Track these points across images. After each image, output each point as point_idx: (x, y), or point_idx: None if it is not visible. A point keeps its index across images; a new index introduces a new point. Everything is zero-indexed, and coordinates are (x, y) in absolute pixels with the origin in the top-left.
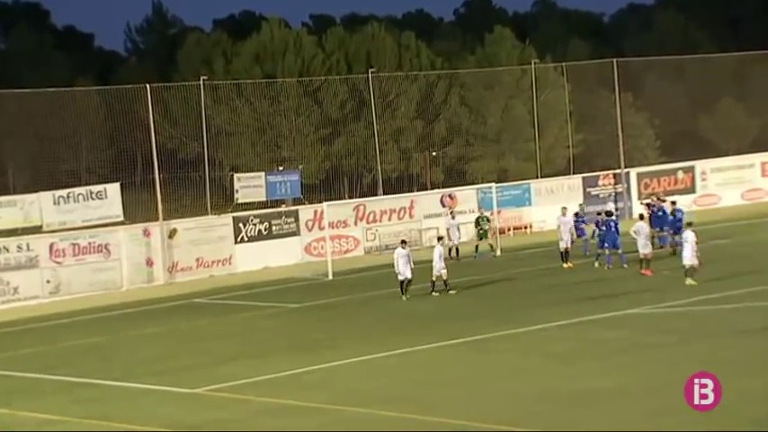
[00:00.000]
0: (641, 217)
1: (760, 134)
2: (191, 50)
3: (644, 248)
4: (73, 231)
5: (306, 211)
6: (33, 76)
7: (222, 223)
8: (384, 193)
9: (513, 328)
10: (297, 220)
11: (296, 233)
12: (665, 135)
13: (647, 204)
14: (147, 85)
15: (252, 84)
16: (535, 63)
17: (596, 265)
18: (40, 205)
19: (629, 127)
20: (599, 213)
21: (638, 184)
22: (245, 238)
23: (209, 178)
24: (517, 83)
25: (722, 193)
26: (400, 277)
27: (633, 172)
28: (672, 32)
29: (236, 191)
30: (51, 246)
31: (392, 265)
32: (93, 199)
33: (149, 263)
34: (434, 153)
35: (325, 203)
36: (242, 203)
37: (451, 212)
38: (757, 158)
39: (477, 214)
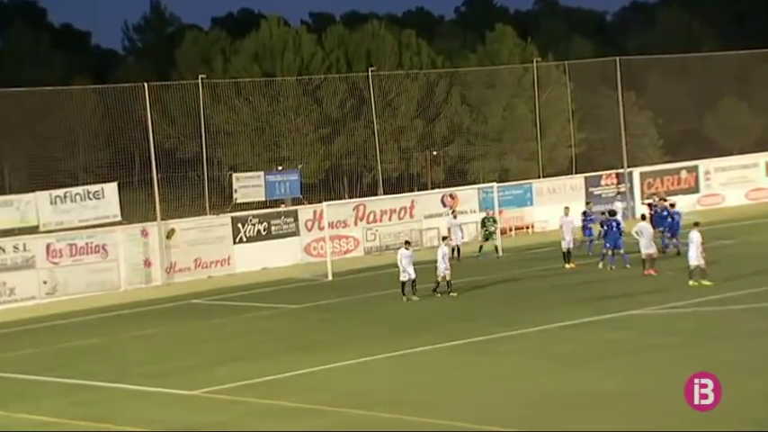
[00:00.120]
0: (643, 217)
1: (764, 133)
2: (189, 49)
3: (647, 249)
4: (70, 231)
5: (305, 211)
6: (30, 75)
7: (221, 223)
8: (384, 193)
9: (514, 329)
10: (296, 220)
11: (295, 233)
12: (668, 134)
13: (649, 204)
14: (145, 84)
15: (251, 82)
16: (537, 61)
17: (600, 266)
18: (36, 205)
19: (631, 126)
20: (602, 213)
21: (641, 184)
22: (244, 239)
23: (207, 178)
24: (519, 81)
25: (726, 192)
26: (402, 278)
27: (636, 171)
28: (675, 30)
29: (235, 191)
30: (48, 246)
31: (392, 266)
32: (90, 199)
33: (147, 263)
34: (435, 152)
35: (324, 203)
36: (241, 203)
37: (453, 212)
38: (761, 158)
39: (483, 214)
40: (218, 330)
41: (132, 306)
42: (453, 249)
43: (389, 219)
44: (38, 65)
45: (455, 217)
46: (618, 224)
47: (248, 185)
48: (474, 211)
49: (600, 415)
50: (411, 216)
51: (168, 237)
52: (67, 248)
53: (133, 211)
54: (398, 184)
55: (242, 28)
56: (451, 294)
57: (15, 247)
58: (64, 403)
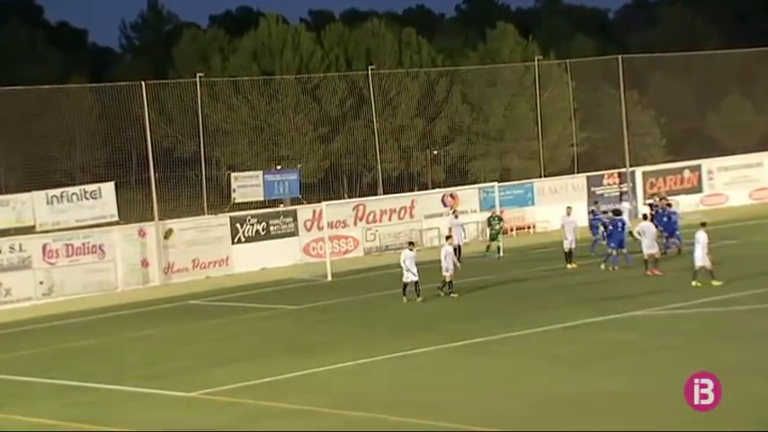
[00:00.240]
0: (645, 217)
1: None
2: (187, 47)
3: (649, 249)
4: (66, 232)
5: (304, 211)
6: (26, 73)
7: (219, 223)
8: (384, 193)
9: (516, 330)
10: (295, 220)
11: (294, 233)
12: (671, 133)
13: (650, 205)
14: (143, 83)
15: (249, 81)
16: (538, 60)
17: (602, 266)
18: (32, 205)
19: (634, 125)
20: (604, 212)
21: (644, 184)
22: (243, 239)
23: (205, 177)
24: (520, 80)
25: (729, 192)
26: (405, 280)
27: (639, 171)
28: (678, 28)
29: (234, 190)
30: (44, 246)
31: (392, 266)
32: (87, 198)
33: (145, 264)
34: (435, 152)
35: (323, 203)
36: (239, 203)
37: (454, 212)
38: (765, 157)
39: (485, 214)
40: (217, 331)
41: (129, 307)
42: (455, 250)
43: (389, 219)
44: (34, 63)
45: (456, 217)
46: (623, 224)
47: (247, 185)
48: (475, 211)
49: (603, 415)
50: (411, 216)
51: (166, 237)
52: (64, 249)
53: (130, 210)
54: (398, 183)
55: (240, 26)
56: (452, 295)
57: (11, 248)
58: (59, 405)
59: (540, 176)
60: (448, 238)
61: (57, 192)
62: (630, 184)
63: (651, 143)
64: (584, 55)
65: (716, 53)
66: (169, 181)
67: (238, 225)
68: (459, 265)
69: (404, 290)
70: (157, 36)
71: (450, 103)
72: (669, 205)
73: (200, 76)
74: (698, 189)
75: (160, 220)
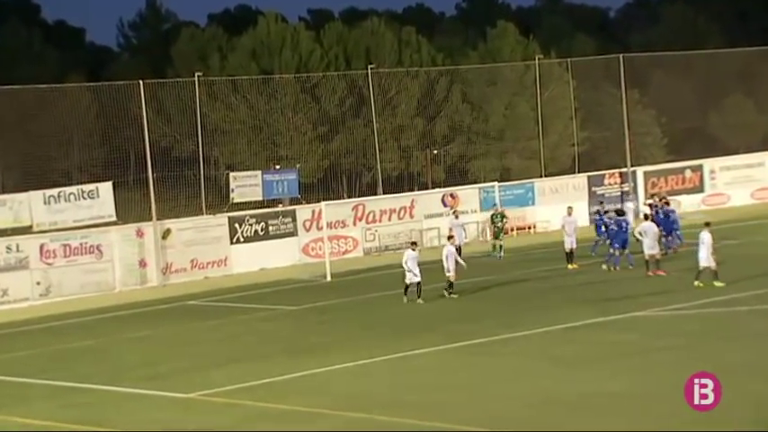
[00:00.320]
0: (646, 217)
1: None
2: (185, 46)
3: (650, 249)
4: (64, 232)
5: (303, 211)
6: (23, 72)
7: (217, 223)
8: (384, 193)
9: (517, 330)
10: (294, 220)
11: (293, 233)
12: (672, 132)
13: (650, 205)
14: (141, 82)
15: (248, 80)
16: (539, 59)
17: (604, 267)
18: (30, 205)
19: (635, 124)
20: (605, 212)
21: (645, 183)
22: (241, 239)
23: (203, 177)
24: (520, 79)
25: (731, 192)
26: (408, 280)
27: (640, 171)
28: (679, 27)
29: (232, 190)
30: (42, 246)
31: (391, 266)
32: (84, 198)
33: (142, 264)
34: (435, 151)
35: (323, 203)
36: (238, 203)
37: (455, 212)
38: (767, 156)
39: (487, 213)
40: (215, 332)
41: (127, 307)
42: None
43: (389, 219)
44: (31, 62)
45: (457, 217)
46: (627, 224)
47: (245, 185)
48: (475, 211)
49: (603, 416)
50: (411, 216)
51: (164, 237)
52: (61, 249)
53: (128, 210)
54: (398, 183)
55: (239, 25)
56: (452, 296)
57: (8, 248)
58: (57, 406)
59: (541, 176)
60: (450, 238)
61: (54, 191)
62: (632, 184)
63: (652, 143)
64: (584, 54)
65: (718, 52)
66: (167, 181)
67: (237, 225)
68: (464, 264)
69: (405, 290)
70: (155, 35)
71: (451, 103)
72: (667, 203)
73: (198, 76)
74: (699, 189)
75: (158, 220)
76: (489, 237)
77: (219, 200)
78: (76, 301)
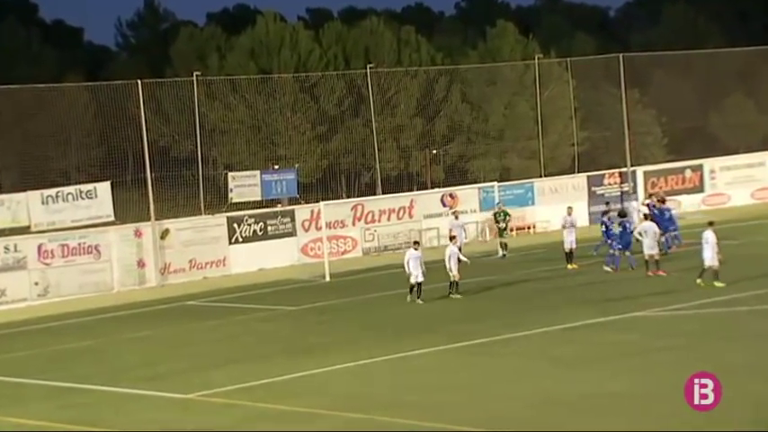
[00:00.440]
0: (646, 217)
1: None
2: (183, 45)
3: (650, 249)
4: (62, 232)
5: (302, 211)
6: (21, 72)
7: (216, 223)
8: (383, 193)
9: (517, 331)
10: (293, 220)
11: (292, 234)
12: (672, 132)
13: (648, 205)
14: (139, 81)
15: (247, 80)
16: (539, 58)
17: (606, 268)
18: (27, 205)
19: (635, 124)
20: (605, 212)
21: (645, 183)
22: (240, 239)
23: (202, 177)
24: (520, 79)
25: (731, 192)
26: (412, 280)
27: (640, 170)
28: (679, 26)
29: (231, 190)
30: (40, 247)
31: (390, 267)
32: (82, 198)
33: (141, 264)
34: (435, 151)
35: (322, 203)
36: (236, 203)
37: (455, 213)
38: (767, 156)
39: (486, 212)
40: (214, 332)
41: (126, 308)
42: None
43: (388, 219)
44: (29, 61)
45: (457, 218)
46: (630, 225)
47: (244, 185)
48: (474, 211)
49: (604, 416)
50: (410, 216)
51: (162, 237)
52: (59, 249)
53: (126, 210)
54: (397, 183)
55: (237, 24)
56: (452, 296)
57: (6, 248)
58: (55, 407)
59: (541, 176)
60: (452, 238)
61: (52, 191)
62: (631, 184)
63: (652, 142)
64: (584, 53)
65: (718, 52)
66: (166, 181)
67: (236, 225)
68: (467, 260)
69: (410, 290)
70: (154, 34)
71: (450, 102)
72: (662, 202)
73: (196, 75)
74: (700, 189)
75: (156, 220)
76: (489, 236)
77: (218, 200)
78: (75, 302)
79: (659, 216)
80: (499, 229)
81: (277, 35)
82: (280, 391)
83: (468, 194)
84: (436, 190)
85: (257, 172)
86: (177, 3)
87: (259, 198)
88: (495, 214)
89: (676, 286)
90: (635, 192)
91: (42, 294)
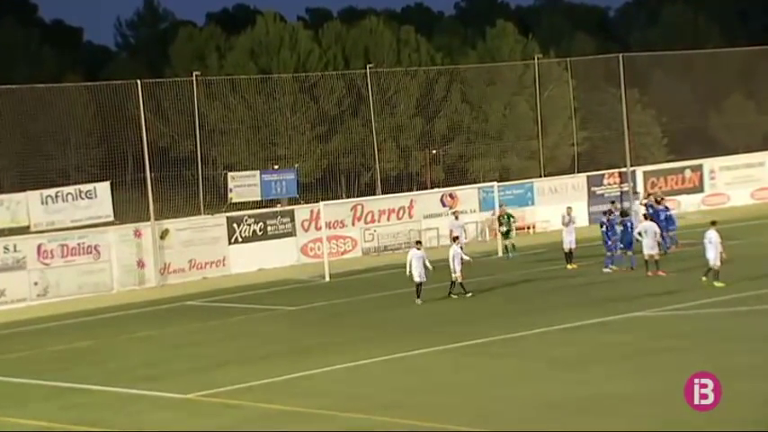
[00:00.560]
0: (646, 217)
1: None
2: (183, 45)
3: (650, 249)
4: (61, 232)
5: (302, 211)
6: (20, 72)
7: (216, 223)
8: (383, 193)
9: (516, 331)
10: (292, 220)
11: (292, 234)
12: (672, 132)
13: (646, 205)
14: (138, 81)
15: (246, 80)
16: (538, 58)
17: (604, 269)
18: (27, 205)
19: (635, 124)
20: (604, 213)
21: (645, 183)
22: (240, 239)
23: (202, 177)
24: (520, 79)
25: (731, 192)
26: (416, 279)
27: (639, 170)
28: (679, 26)
29: (230, 190)
30: (39, 247)
31: (390, 267)
32: (82, 198)
33: (140, 264)
34: (434, 151)
35: (321, 203)
36: (236, 203)
37: (455, 213)
38: (767, 156)
39: (486, 213)
40: (214, 332)
41: (125, 308)
42: None
43: (388, 219)
44: (29, 61)
45: (457, 218)
46: (631, 225)
47: (244, 185)
48: (474, 211)
49: (604, 417)
50: (410, 216)
51: (162, 237)
52: (59, 249)
53: (126, 210)
54: (397, 183)
55: (237, 24)
56: (452, 296)
57: (6, 248)
58: (55, 407)
59: (540, 176)
60: (455, 239)
61: (52, 191)
62: (631, 184)
63: (652, 142)
64: (584, 53)
65: (718, 51)
66: (165, 181)
67: (235, 225)
68: (470, 259)
69: (417, 291)
70: (153, 34)
71: (450, 102)
72: (658, 202)
73: (196, 75)
74: (699, 189)
75: (156, 220)
76: (489, 236)
77: (218, 200)
78: (74, 302)
79: (655, 216)
80: (503, 232)
81: (276, 35)
82: (279, 391)
83: (467, 194)
84: (436, 190)
85: (257, 172)
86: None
87: (259, 198)
88: (499, 218)
89: (676, 286)
90: (635, 192)
91: (42, 294)
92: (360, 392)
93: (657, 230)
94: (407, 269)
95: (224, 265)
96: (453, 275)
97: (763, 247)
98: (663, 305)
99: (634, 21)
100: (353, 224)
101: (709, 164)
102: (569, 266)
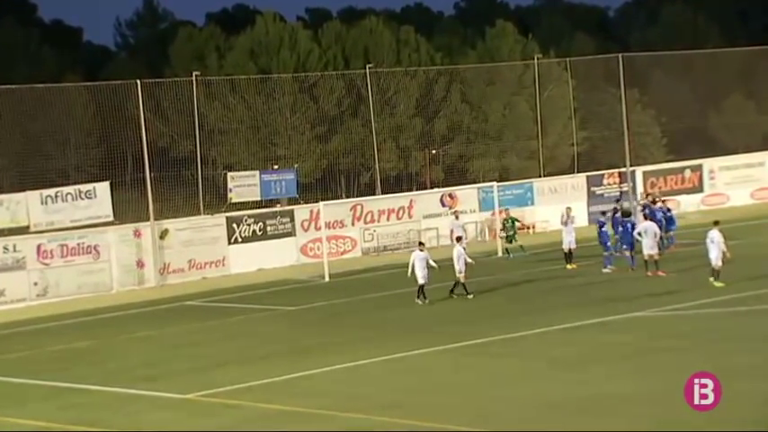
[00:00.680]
0: (645, 217)
1: None
2: (183, 45)
3: (650, 249)
4: (61, 232)
5: (301, 211)
6: (20, 72)
7: (215, 223)
8: (382, 193)
9: (515, 331)
10: (292, 220)
11: (291, 234)
12: (672, 132)
13: (643, 205)
14: (138, 81)
15: (246, 80)
16: (538, 58)
17: (603, 270)
18: (27, 205)
19: (634, 124)
20: (602, 213)
21: (645, 183)
22: (239, 239)
23: (201, 177)
24: (519, 79)
25: (731, 192)
26: (420, 281)
27: (639, 170)
28: (679, 26)
29: (230, 190)
30: (39, 247)
31: (390, 267)
32: (81, 198)
33: (140, 264)
34: (434, 151)
35: (321, 203)
36: (236, 203)
37: (455, 213)
38: (767, 156)
39: (486, 214)
40: (213, 332)
41: (125, 308)
42: None
43: (387, 219)
44: (28, 61)
45: (457, 218)
46: (633, 225)
47: (243, 185)
48: (474, 211)
49: (603, 417)
50: (410, 216)
51: (161, 237)
52: (58, 249)
53: (126, 210)
54: (397, 183)
55: (237, 24)
56: (453, 295)
57: (5, 248)
58: (54, 407)
59: (540, 176)
60: (459, 239)
61: (51, 191)
62: (631, 184)
63: (652, 142)
64: (584, 53)
65: (717, 51)
66: (165, 181)
67: (235, 225)
68: (472, 261)
69: (423, 294)
70: (153, 34)
71: (449, 102)
72: (654, 202)
73: (196, 75)
74: (699, 189)
75: (156, 220)
76: (488, 237)
77: (217, 200)
78: (73, 302)
79: (651, 216)
80: (507, 236)
81: (276, 35)
82: (279, 392)
83: (467, 194)
84: (435, 190)
85: (256, 172)
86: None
87: (258, 198)
88: (503, 221)
89: (676, 286)
90: (634, 192)
91: (41, 294)
92: (359, 392)
93: (657, 230)
94: (409, 270)
95: (223, 265)
96: (458, 275)
97: (762, 248)
98: (662, 305)
99: (634, 21)
100: (353, 224)
101: (708, 164)
102: (569, 266)
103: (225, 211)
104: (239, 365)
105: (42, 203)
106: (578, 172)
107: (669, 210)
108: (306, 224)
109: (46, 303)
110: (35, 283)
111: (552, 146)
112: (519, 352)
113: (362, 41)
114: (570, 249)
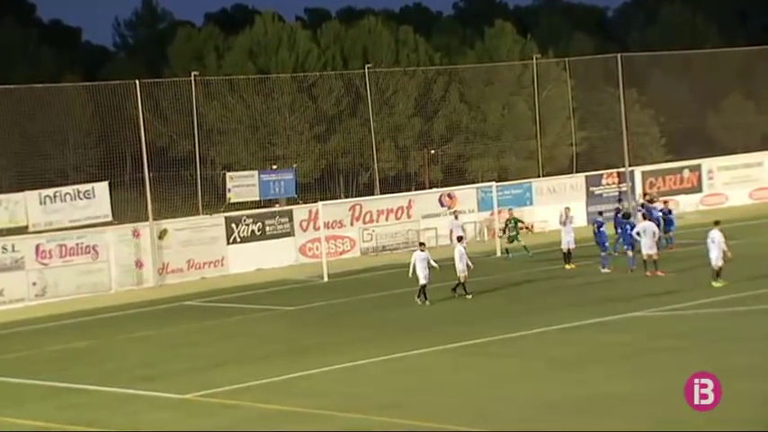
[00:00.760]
0: (644, 217)
1: None
2: (181, 45)
3: (649, 249)
4: (60, 232)
5: (300, 211)
6: (19, 72)
7: (214, 223)
8: (381, 193)
9: (515, 331)
10: (291, 220)
11: (290, 234)
12: (670, 132)
13: (642, 205)
14: (137, 81)
15: (245, 80)
16: (537, 58)
17: (602, 270)
18: (25, 205)
19: (633, 124)
20: (600, 213)
21: (643, 183)
22: (238, 239)
23: (200, 177)
24: (518, 79)
25: (729, 192)
26: (422, 282)
27: (638, 170)
28: (678, 26)
29: (229, 190)
30: (37, 247)
31: (388, 267)
32: (80, 198)
33: (139, 264)
34: (433, 151)
35: (320, 203)
36: (234, 203)
37: (455, 213)
38: (766, 156)
39: (485, 214)
40: (212, 332)
41: (123, 308)
42: None
43: (386, 219)
44: (27, 61)
45: (456, 218)
46: (632, 226)
47: (242, 185)
48: (472, 211)
49: (603, 417)
50: (408, 216)
51: (160, 237)
52: (57, 249)
53: (124, 210)
54: (395, 183)
55: (236, 24)
56: (454, 294)
57: (4, 248)
58: (53, 407)
59: (539, 176)
60: (460, 239)
61: (50, 191)
62: (629, 184)
63: (651, 142)
64: (582, 53)
65: (716, 51)
66: (164, 181)
67: (234, 225)
68: (472, 265)
69: (425, 294)
70: (152, 34)
71: (448, 102)
72: (651, 202)
73: (194, 75)
74: (698, 189)
75: (154, 220)
76: (487, 236)
77: (216, 200)
78: (72, 302)
79: (648, 216)
80: (510, 237)
81: (275, 35)
82: (278, 392)
83: (466, 194)
84: (434, 190)
85: (255, 172)
86: (175, 3)
87: (257, 198)
88: (506, 222)
89: (675, 286)
90: (633, 192)
91: (40, 294)
92: (358, 392)
93: (656, 230)
94: (410, 271)
95: (222, 265)
96: (460, 275)
97: (761, 247)
98: (661, 305)
99: (632, 21)
100: (352, 224)
101: (707, 164)
102: (568, 266)
103: (224, 211)
104: (238, 365)
105: (41, 203)
106: (577, 172)
107: (670, 211)
108: (304, 224)
109: (44, 303)
110: (34, 283)
111: (551, 146)
112: (518, 352)
113: (361, 41)
114: (569, 249)
